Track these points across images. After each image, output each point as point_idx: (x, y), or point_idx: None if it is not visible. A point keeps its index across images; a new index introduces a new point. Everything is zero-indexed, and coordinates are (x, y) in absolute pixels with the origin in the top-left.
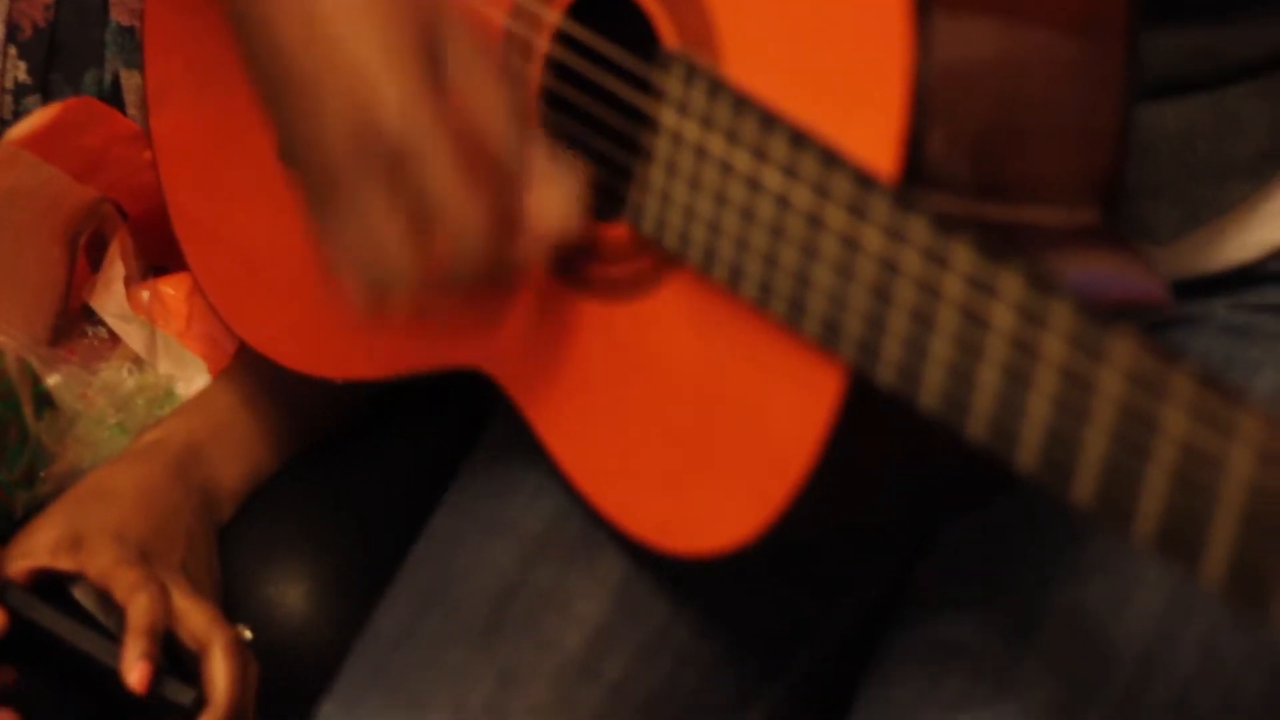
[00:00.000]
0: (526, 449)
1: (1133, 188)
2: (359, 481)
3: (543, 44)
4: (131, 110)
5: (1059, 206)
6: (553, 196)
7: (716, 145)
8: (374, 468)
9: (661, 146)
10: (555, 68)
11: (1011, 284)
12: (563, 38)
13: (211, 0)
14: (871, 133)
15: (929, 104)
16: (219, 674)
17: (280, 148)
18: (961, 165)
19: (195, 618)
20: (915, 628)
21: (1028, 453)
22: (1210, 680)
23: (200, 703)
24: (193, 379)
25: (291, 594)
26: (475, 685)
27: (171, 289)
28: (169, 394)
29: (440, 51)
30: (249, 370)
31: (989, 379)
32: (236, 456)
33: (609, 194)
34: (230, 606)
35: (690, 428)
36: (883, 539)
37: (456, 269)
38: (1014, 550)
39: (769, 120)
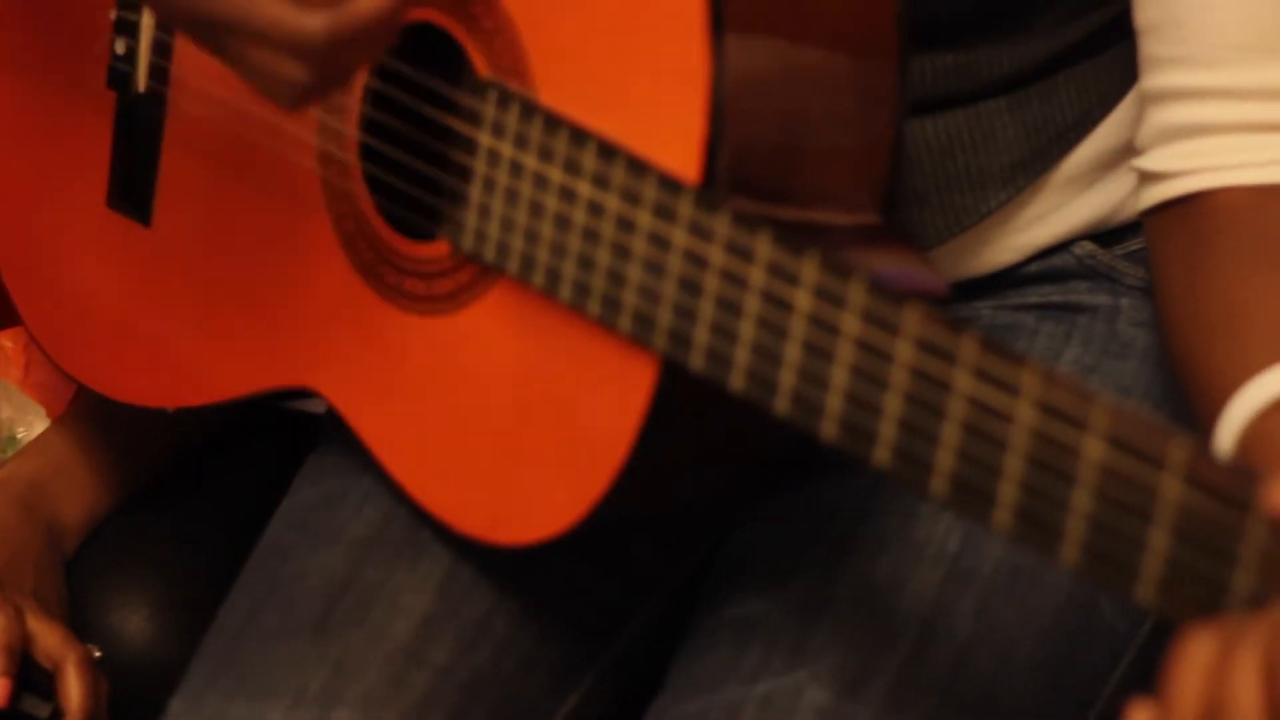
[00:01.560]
0: (354, 461)
1: (900, 197)
2: (196, 510)
3: (362, 76)
4: None
5: (844, 210)
6: None
7: (531, 161)
8: (210, 497)
9: (479, 166)
10: (374, 98)
11: (809, 269)
12: (381, 70)
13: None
14: (675, 144)
15: (726, 117)
16: (73, 688)
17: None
18: (756, 171)
19: (49, 638)
20: (718, 609)
21: (831, 422)
22: (986, 644)
23: (57, 715)
24: (33, 424)
25: (134, 618)
26: (312, 674)
27: (9, 341)
28: (11, 439)
29: None
30: (85, 414)
31: (793, 357)
32: (77, 494)
33: (429, 215)
34: (78, 631)
35: (514, 427)
36: (688, 531)
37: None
38: (805, 534)
39: (579, 135)
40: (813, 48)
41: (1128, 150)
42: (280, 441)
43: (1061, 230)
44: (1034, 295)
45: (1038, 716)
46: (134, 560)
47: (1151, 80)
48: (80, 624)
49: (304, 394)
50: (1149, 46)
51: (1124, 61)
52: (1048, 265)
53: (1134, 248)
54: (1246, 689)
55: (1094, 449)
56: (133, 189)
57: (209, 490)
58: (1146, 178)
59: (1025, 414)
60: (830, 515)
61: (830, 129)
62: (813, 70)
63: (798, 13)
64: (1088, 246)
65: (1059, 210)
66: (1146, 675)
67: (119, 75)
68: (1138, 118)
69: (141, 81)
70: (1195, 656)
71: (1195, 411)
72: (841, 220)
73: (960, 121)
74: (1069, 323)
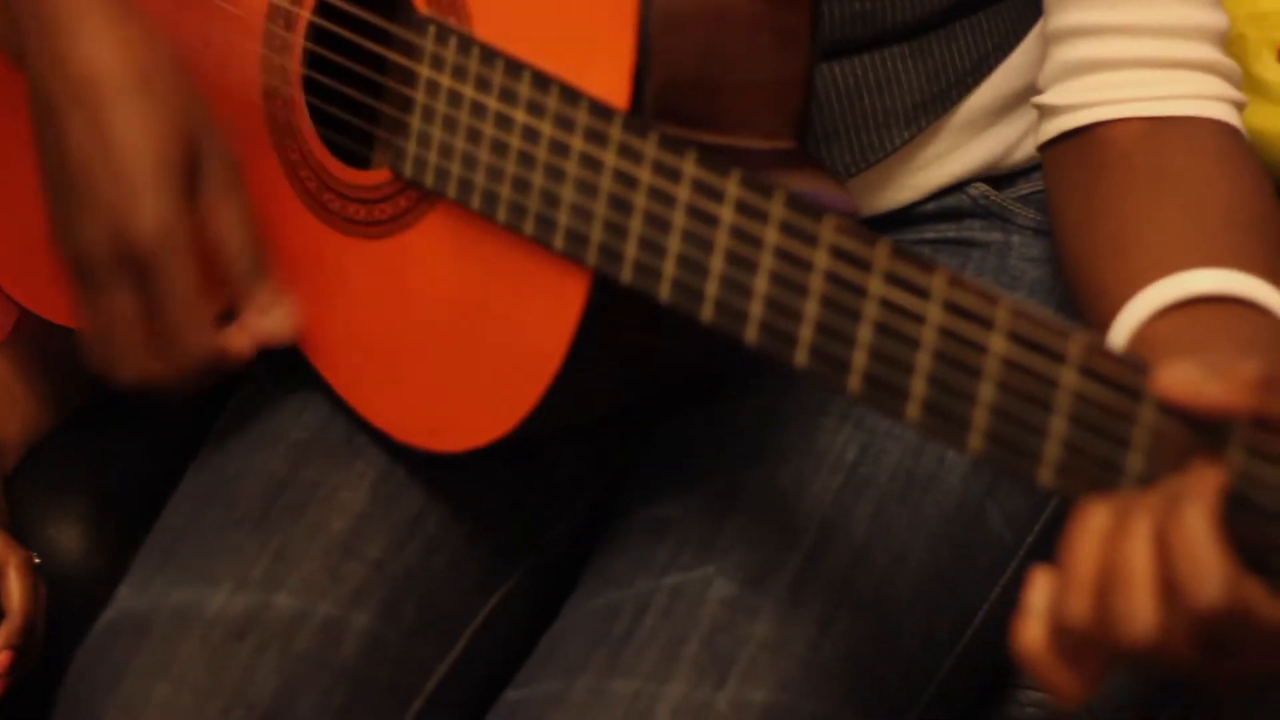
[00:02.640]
0: (294, 372)
1: (811, 136)
2: (130, 433)
3: (305, 13)
4: None
5: (762, 135)
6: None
7: (468, 91)
8: (143, 422)
9: (418, 96)
10: (317, 33)
11: (731, 185)
12: (322, 7)
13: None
14: (606, 74)
15: (653, 49)
16: (14, 589)
17: (51, 227)
18: (681, 99)
19: None
20: (632, 511)
21: (753, 327)
22: (880, 546)
23: None
24: None
25: (69, 532)
26: (253, 562)
27: None
28: None
29: (199, 169)
30: (26, 340)
31: (717, 268)
32: (17, 414)
33: (370, 144)
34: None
35: (452, 342)
36: (605, 445)
37: (175, 360)
38: (714, 445)
39: (515, 66)
40: None
41: (1021, 96)
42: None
43: (958, 170)
44: (931, 232)
45: (927, 615)
46: (70, 478)
47: (1054, 20)
48: (17, 536)
49: None
50: None
51: (1018, 11)
52: (944, 204)
53: (1025, 191)
54: (1139, 555)
55: (998, 344)
56: None
57: (142, 416)
58: (1046, 112)
59: (934, 314)
60: (738, 428)
61: (749, 61)
62: (733, 8)
63: None
64: (982, 188)
65: (956, 151)
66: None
67: None
68: (1031, 64)
69: None
70: (1092, 525)
71: (1089, 328)
72: (761, 145)
73: (866, 65)
74: (963, 255)
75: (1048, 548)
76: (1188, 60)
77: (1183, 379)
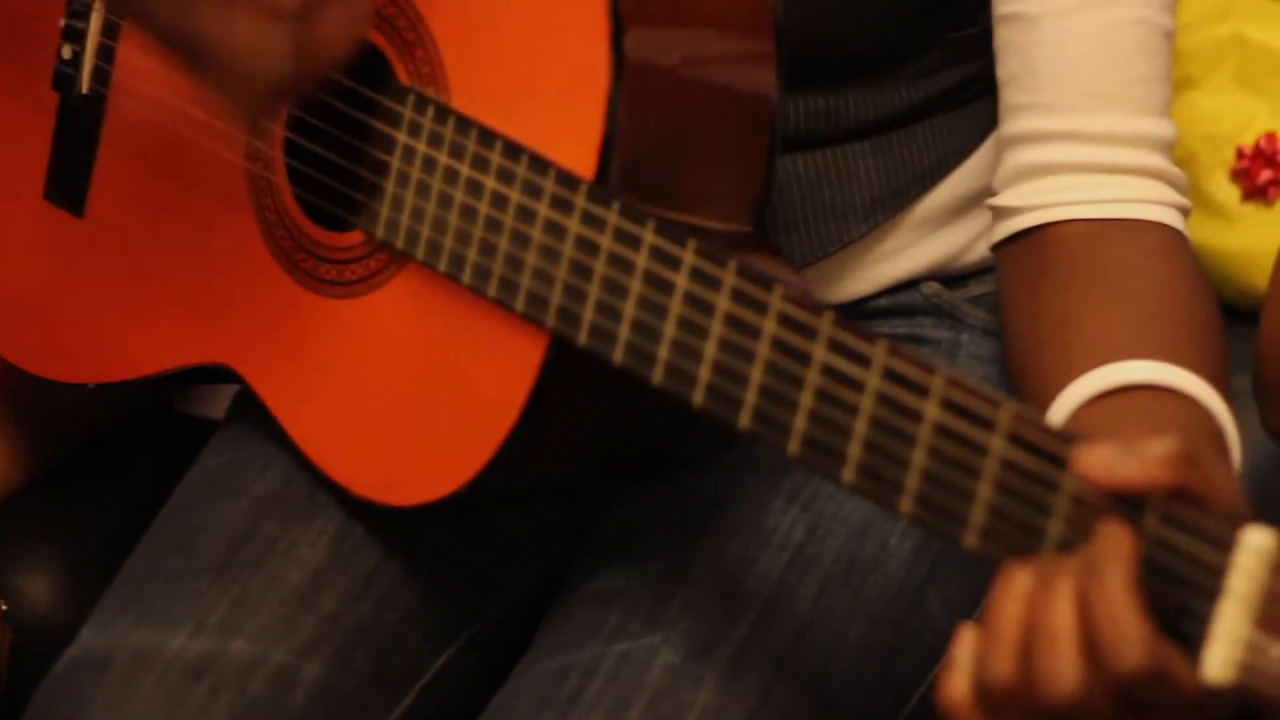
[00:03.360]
0: (260, 433)
1: (771, 223)
2: (98, 493)
3: None
4: None
5: (720, 217)
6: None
7: (442, 158)
8: (111, 483)
9: (394, 162)
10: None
11: (687, 255)
12: None
13: None
14: (574, 146)
15: (620, 125)
16: None
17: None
18: (644, 175)
19: None
20: (582, 581)
21: (701, 390)
22: (821, 625)
23: None
24: None
25: (38, 582)
26: (212, 608)
27: None
28: None
29: None
30: (3, 395)
31: (669, 332)
32: None
33: (345, 207)
34: None
35: (411, 399)
36: (557, 516)
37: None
38: (665, 520)
39: (487, 135)
40: (701, 73)
41: (976, 198)
42: (177, 442)
43: (912, 266)
44: (884, 327)
45: (864, 694)
46: (39, 530)
47: (1009, 126)
48: None
49: (216, 376)
50: (1008, 96)
51: (978, 117)
52: (897, 301)
53: (976, 292)
54: (1062, 615)
55: (932, 411)
56: (69, 182)
57: (111, 477)
58: (1000, 213)
59: (873, 381)
60: (688, 504)
61: (713, 145)
62: (700, 93)
63: (689, 44)
64: (934, 286)
65: (911, 247)
66: None
67: (64, 78)
68: (988, 168)
69: (85, 84)
70: (1015, 586)
71: None
72: (717, 226)
73: (828, 159)
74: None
75: None
76: (1135, 167)
77: (1099, 461)
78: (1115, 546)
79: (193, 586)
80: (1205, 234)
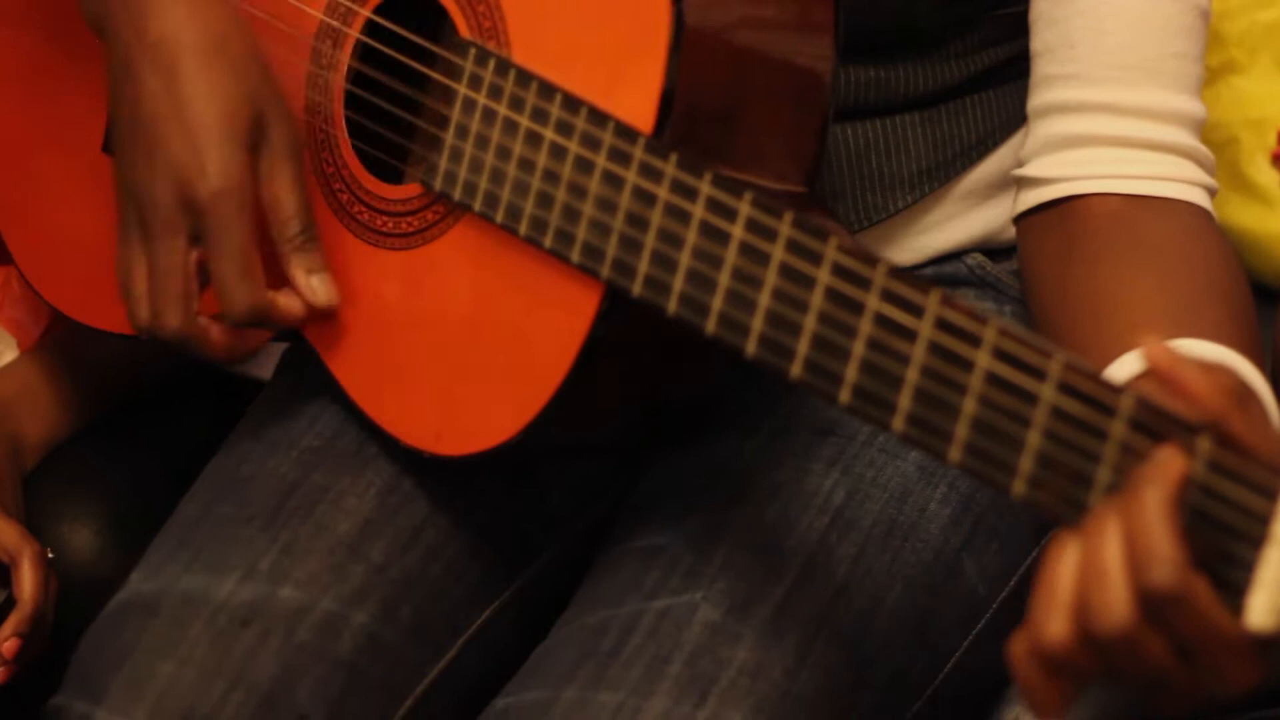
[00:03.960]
0: (311, 385)
1: (819, 191)
2: (145, 446)
3: (353, 33)
4: None
5: (774, 176)
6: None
7: (502, 110)
8: (158, 438)
9: (454, 114)
10: (363, 52)
11: (743, 206)
12: (371, 28)
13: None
14: (634, 100)
15: (679, 80)
16: (27, 580)
17: (118, 179)
18: (701, 130)
19: (7, 534)
20: (624, 539)
21: (754, 340)
22: (859, 587)
23: (10, 602)
24: (3, 354)
25: (82, 532)
26: (262, 555)
27: None
28: None
29: (264, 134)
30: (53, 348)
31: (724, 282)
32: (39, 416)
33: (403, 159)
34: None
35: (465, 349)
36: (600, 478)
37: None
38: (706, 482)
39: (548, 89)
40: (760, 32)
41: None
42: (225, 399)
43: (957, 238)
44: None
45: (900, 656)
46: (85, 480)
47: (1041, 96)
48: (32, 532)
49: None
50: (1042, 67)
51: (1025, 93)
52: (941, 271)
53: (1018, 265)
54: (1110, 549)
55: (984, 360)
56: None
57: (158, 432)
58: (1026, 183)
59: (926, 330)
60: (729, 465)
61: (769, 104)
62: (757, 54)
63: (749, 7)
64: (978, 258)
65: (956, 219)
66: (1002, 639)
67: None
68: None
69: None
70: (1067, 548)
71: None
72: (772, 184)
73: (876, 130)
74: None
75: (1020, 603)
76: (1165, 143)
77: (1168, 354)
78: (1157, 469)
79: (242, 534)
80: (1246, 217)
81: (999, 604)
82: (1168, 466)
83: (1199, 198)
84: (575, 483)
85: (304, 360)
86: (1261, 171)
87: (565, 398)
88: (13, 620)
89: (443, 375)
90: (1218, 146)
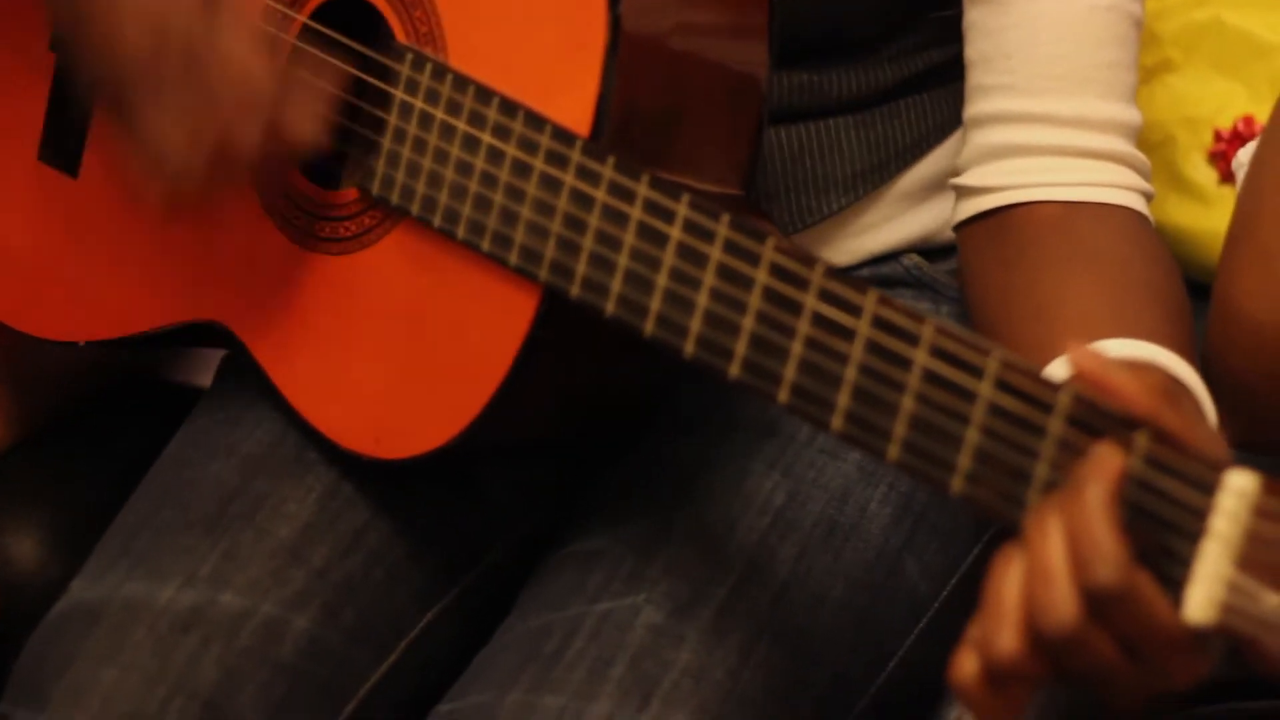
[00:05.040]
0: (251, 392)
1: (755, 194)
2: (86, 456)
3: (289, 38)
4: None
5: (711, 180)
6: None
7: (439, 114)
8: (99, 447)
9: (391, 119)
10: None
11: (681, 208)
12: (308, 32)
13: None
14: (571, 104)
15: (615, 87)
16: None
17: (79, 64)
18: (638, 133)
19: None
20: (566, 542)
21: (692, 341)
22: (801, 587)
23: None
24: None
25: (25, 542)
26: (203, 561)
27: None
28: None
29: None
30: None
31: (662, 283)
32: None
33: (340, 164)
34: None
35: (404, 352)
36: (542, 479)
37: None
38: (648, 484)
39: (485, 93)
40: (695, 34)
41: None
42: (165, 408)
43: (893, 239)
44: None
45: (843, 654)
46: (28, 490)
47: (978, 106)
48: None
49: (204, 338)
50: (976, 76)
51: (959, 97)
52: (877, 272)
53: (955, 266)
54: (1053, 547)
55: (921, 358)
56: (64, 144)
57: (99, 441)
58: (964, 192)
59: (863, 329)
60: (671, 468)
61: (705, 107)
62: (693, 54)
63: (684, 12)
64: (914, 259)
65: (891, 221)
66: (945, 636)
67: (60, 39)
68: None
69: None
70: (1011, 560)
71: None
72: (710, 188)
73: (810, 133)
74: None
75: (963, 600)
76: (1101, 151)
77: (1093, 358)
78: (1096, 466)
79: (183, 540)
80: (1182, 216)
81: (941, 602)
82: (1106, 463)
83: (1136, 203)
84: (517, 486)
85: (243, 367)
86: (1198, 170)
87: (504, 399)
88: None
89: (381, 379)
90: (1154, 146)
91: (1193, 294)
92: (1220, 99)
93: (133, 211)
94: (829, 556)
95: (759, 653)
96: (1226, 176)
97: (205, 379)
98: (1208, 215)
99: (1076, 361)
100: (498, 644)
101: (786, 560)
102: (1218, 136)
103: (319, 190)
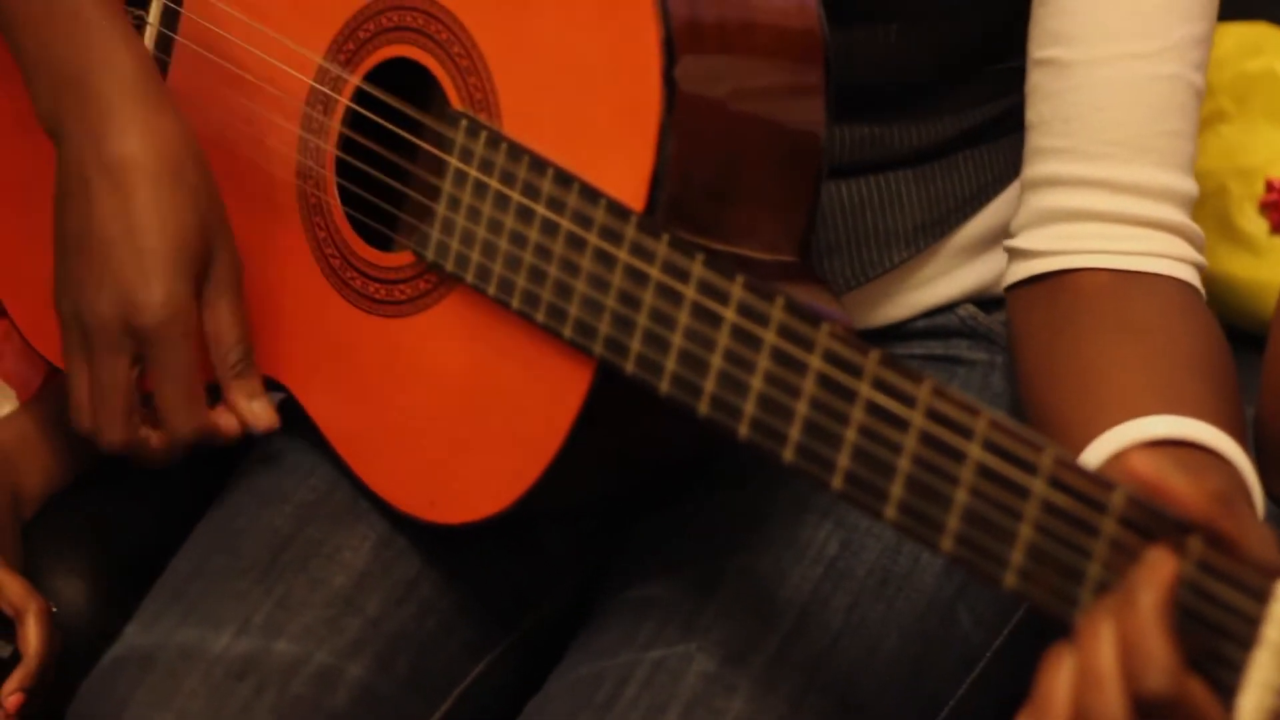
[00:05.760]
0: (304, 440)
1: (814, 248)
2: (137, 497)
3: (343, 100)
4: None
5: (766, 248)
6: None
7: (493, 183)
8: (150, 488)
9: (445, 186)
10: (353, 119)
11: (736, 289)
12: (360, 96)
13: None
14: (625, 177)
15: (670, 157)
16: (32, 635)
17: (56, 289)
18: (693, 206)
19: (13, 588)
20: (619, 590)
21: (746, 424)
22: (853, 637)
23: (16, 657)
24: (1, 405)
25: (76, 583)
26: (256, 609)
27: None
28: None
29: (210, 263)
30: (50, 400)
31: (716, 364)
32: (38, 467)
33: (394, 228)
34: None
35: (458, 420)
36: (596, 529)
37: (165, 431)
38: (701, 532)
39: (539, 163)
40: (751, 105)
41: None
42: (218, 452)
43: (952, 291)
44: (920, 348)
45: (895, 705)
46: (78, 533)
47: (1035, 169)
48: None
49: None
50: (1036, 139)
51: (1017, 147)
52: (934, 323)
53: (1007, 335)
54: (1105, 654)
55: (975, 452)
56: None
57: (151, 485)
58: (1017, 254)
59: (918, 420)
60: (724, 518)
61: (761, 178)
62: (749, 124)
63: (739, 75)
64: (970, 309)
65: (951, 273)
66: (997, 685)
67: None
68: None
69: None
70: (1062, 660)
71: None
72: (763, 256)
73: (871, 186)
74: (949, 372)
75: (1015, 650)
76: (1157, 220)
77: (1154, 464)
78: (1150, 572)
79: (237, 587)
80: (1234, 266)
81: (994, 652)
82: (1160, 569)
83: (1187, 274)
84: (570, 535)
85: (298, 415)
86: (1250, 220)
87: (560, 469)
88: (17, 675)
89: (436, 444)
90: (1206, 195)
91: (1243, 343)
92: (1273, 149)
93: None
94: (882, 606)
95: (810, 702)
96: (1278, 227)
97: None
98: (1259, 265)
99: (1136, 466)
100: (550, 692)
101: (839, 610)
102: (1269, 187)
103: (374, 252)
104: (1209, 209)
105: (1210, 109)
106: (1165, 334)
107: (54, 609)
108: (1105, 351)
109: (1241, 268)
